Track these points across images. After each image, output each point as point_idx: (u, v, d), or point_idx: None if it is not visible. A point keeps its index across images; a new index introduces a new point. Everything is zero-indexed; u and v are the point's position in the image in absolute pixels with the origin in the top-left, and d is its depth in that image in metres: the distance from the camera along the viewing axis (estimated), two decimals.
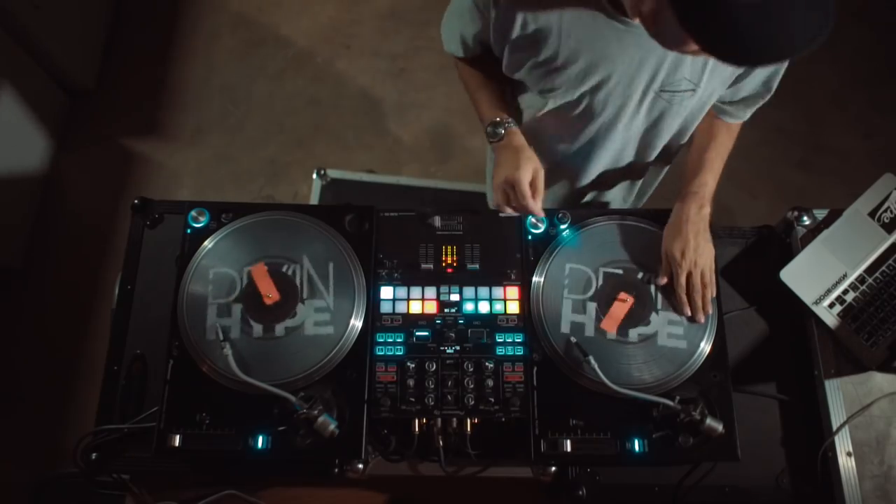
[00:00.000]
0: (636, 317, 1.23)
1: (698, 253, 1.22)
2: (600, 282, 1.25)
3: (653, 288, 1.25)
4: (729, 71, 1.18)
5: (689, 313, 1.23)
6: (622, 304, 1.23)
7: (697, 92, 1.20)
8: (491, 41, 1.22)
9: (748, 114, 1.34)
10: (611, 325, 1.22)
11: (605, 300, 1.24)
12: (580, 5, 1.08)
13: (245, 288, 1.23)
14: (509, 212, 1.26)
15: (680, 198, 1.28)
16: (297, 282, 1.24)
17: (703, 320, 1.23)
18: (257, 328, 1.20)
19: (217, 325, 1.19)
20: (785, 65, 1.20)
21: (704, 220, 1.26)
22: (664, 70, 1.15)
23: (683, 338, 1.22)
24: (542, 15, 1.11)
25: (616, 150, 1.39)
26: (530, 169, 1.22)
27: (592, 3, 1.07)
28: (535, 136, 1.32)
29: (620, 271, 1.27)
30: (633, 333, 1.22)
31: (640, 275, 1.26)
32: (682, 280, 1.22)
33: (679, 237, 1.23)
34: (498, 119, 1.28)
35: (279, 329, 1.20)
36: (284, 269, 1.24)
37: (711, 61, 1.14)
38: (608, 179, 1.51)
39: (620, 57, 1.13)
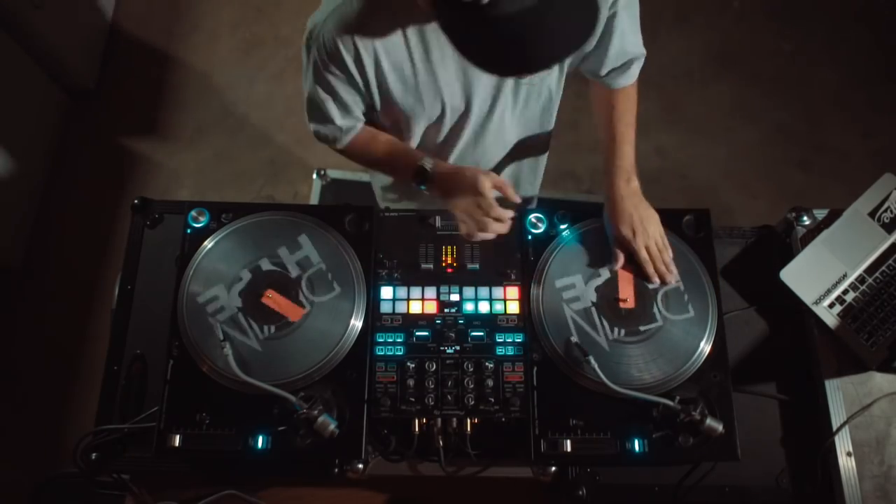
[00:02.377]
0: (636, 317, 1.23)
1: (645, 224, 1.24)
2: (595, 297, 1.25)
3: (654, 290, 1.25)
4: None
5: (658, 281, 1.25)
6: (623, 303, 1.24)
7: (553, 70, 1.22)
8: (362, 95, 1.19)
9: (632, 77, 1.29)
10: (625, 291, 1.24)
11: (606, 299, 1.24)
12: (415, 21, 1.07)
13: (245, 288, 1.23)
14: (483, 236, 1.21)
15: (606, 177, 1.27)
16: (297, 282, 1.24)
17: (672, 281, 1.24)
18: (257, 328, 1.20)
19: (217, 325, 1.19)
20: (636, 22, 1.20)
21: (637, 192, 1.26)
22: None
23: (683, 338, 1.22)
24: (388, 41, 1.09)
25: (500, 142, 1.38)
26: (483, 176, 1.17)
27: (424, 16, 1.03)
28: None
29: (607, 276, 1.26)
30: (629, 333, 1.21)
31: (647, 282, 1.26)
32: (644, 255, 1.23)
33: (622, 217, 1.24)
34: (420, 163, 1.23)
35: (279, 329, 1.20)
36: (284, 269, 1.24)
37: None
38: (507, 172, 1.51)
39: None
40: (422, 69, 1.14)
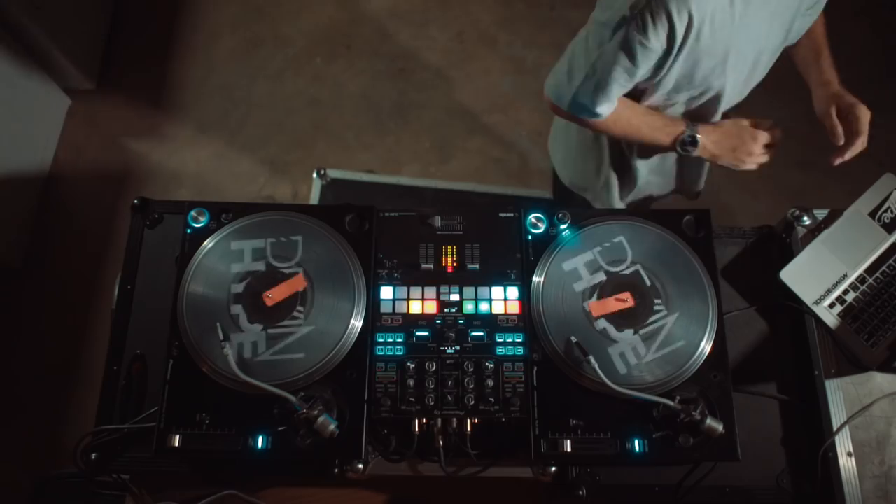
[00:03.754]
0: (634, 318, 1.23)
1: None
2: (606, 277, 1.25)
3: (654, 291, 1.25)
4: None
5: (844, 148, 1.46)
6: (618, 303, 1.23)
7: None
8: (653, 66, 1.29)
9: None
10: (597, 310, 1.22)
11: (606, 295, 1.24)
12: None
13: (246, 288, 1.23)
14: (758, 161, 1.52)
15: (829, 82, 1.54)
16: (284, 270, 1.23)
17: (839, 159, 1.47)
18: (258, 328, 1.20)
19: (217, 325, 1.19)
20: None
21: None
22: None
23: (681, 341, 1.22)
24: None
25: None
26: (754, 128, 1.49)
27: None
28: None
29: (627, 272, 1.26)
30: (629, 333, 1.22)
31: (646, 280, 1.26)
32: (859, 132, 1.47)
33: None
34: (688, 131, 1.44)
35: (279, 329, 1.20)
36: (284, 269, 1.24)
37: None
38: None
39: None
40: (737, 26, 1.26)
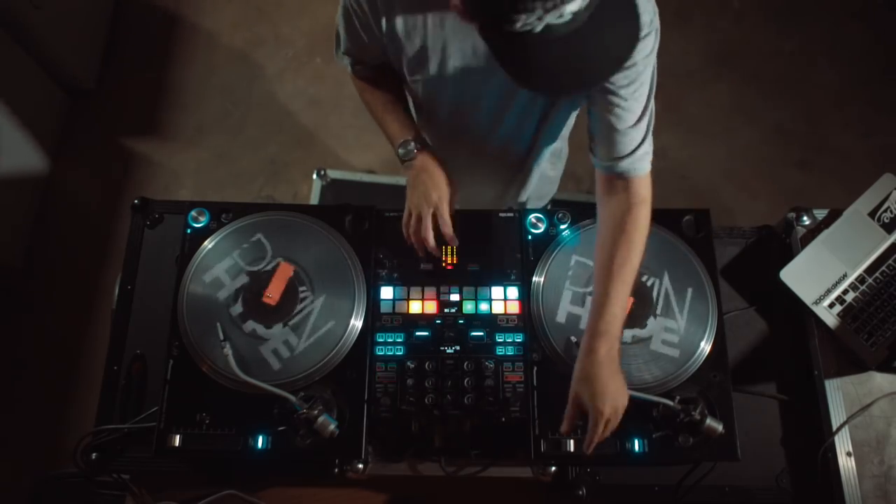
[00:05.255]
0: (633, 318, 1.23)
1: (615, 398, 1.07)
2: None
3: (654, 292, 1.25)
4: None
5: (587, 449, 1.09)
6: None
7: None
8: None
9: (643, 170, 1.14)
10: None
11: None
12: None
13: (246, 288, 1.23)
14: (418, 245, 1.21)
15: (587, 335, 1.10)
16: (297, 282, 1.24)
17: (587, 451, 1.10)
18: (258, 328, 1.20)
19: (217, 325, 1.19)
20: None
21: (614, 361, 1.09)
22: None
23: (678, 346, 1.22)
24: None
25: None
26: (447, 192, 1.19)
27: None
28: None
29: None
30: (628, 335, 1.22)
31: (644, 278, 1.26)
32: (600, 428, 1.07)
33: (595, 385, 1.07)
34: (408, 139, 1.23)
35: (296, 316, 1.20)
36: (265, 268, 1.24)
37: None
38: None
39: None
40: (436, 54, 1.11)
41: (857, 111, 2.81)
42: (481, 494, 1.27)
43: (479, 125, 1.29)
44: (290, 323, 1.21)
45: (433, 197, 1.18)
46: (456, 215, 1.22)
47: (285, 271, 1.24)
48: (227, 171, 2.77)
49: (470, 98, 1.21)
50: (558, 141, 1.43)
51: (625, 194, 1.13)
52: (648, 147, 1.11)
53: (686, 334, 1.22)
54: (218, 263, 1.25)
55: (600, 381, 1.07)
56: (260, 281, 1.23)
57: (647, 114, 1.09)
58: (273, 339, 1.20)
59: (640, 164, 1.12)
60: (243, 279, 1.24)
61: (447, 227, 1.19)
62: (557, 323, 1.23)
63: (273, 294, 1.22)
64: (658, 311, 1.24)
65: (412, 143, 1.23)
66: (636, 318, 1.23)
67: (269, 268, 1.24)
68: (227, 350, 1.15)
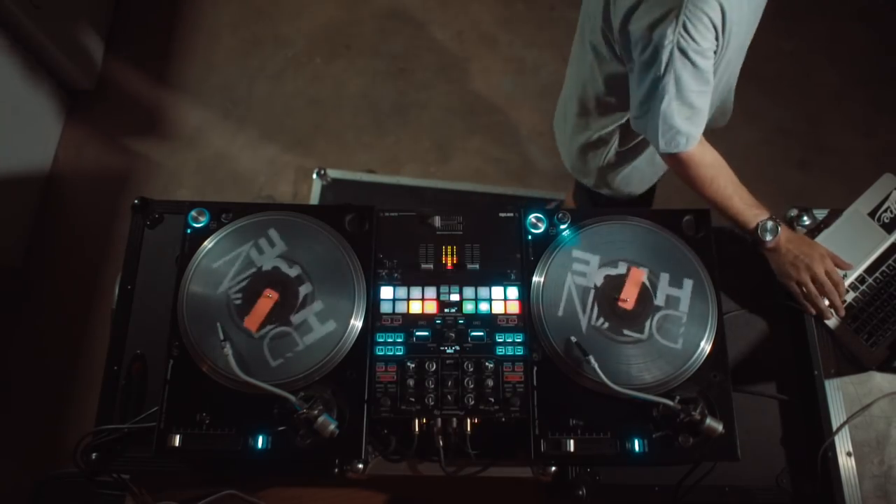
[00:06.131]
0: (633, 319, 1.23)
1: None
2: (601, 282, 1.25)
3: (654, 292, 1.25)
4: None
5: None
6: (623, 303, 1.23)
7: None
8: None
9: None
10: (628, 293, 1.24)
11: (606, 300, 1.24)
12: None
13: (245, 290, 1.23)
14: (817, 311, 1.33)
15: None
16: (297, 282, 1.24)
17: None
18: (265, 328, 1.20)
19: (217, 325, 1.19)
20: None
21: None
22: None
23: (678, 346, 1.21)
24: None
25: None
26: (826, 256, 1.33)
27: None
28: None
29: (623, 272, 1.26)
30: (628, 335, 1.21)
31: (644, 278, 1.26)
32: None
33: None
34: (766, 216, 1.33)
35: (279, 329, 1.20)
36: (284, 269, 1.24)
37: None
38: None
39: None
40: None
41: (857, 111, 2.81)
42: (481, 494, 1.27)
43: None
44: (291, 323, 1.21)
45: (818, 250, 1.33)
46: (457, 217, 1.28)
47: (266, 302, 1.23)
48: (227, 171, 2.77)
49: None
50: None
51: None
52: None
53: (686, 334, 1.22)
54: (219, 263, 1.24)
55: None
56: (262, 281, 1.23)
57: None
58: (272, 339, 1.19)
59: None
60: (244, 279, 1.23)
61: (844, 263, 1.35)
62: (557, 323, 1.22)
63: (273, 294, 1.22)
64: (658, 312, 1.23)
65: (771, 221, 1.32)
66: (636, 318, 1.23)
67: (269, 268, 1.24)
68: (227, 350, 1.15)
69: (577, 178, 1.78)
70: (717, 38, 1.15)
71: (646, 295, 1.24)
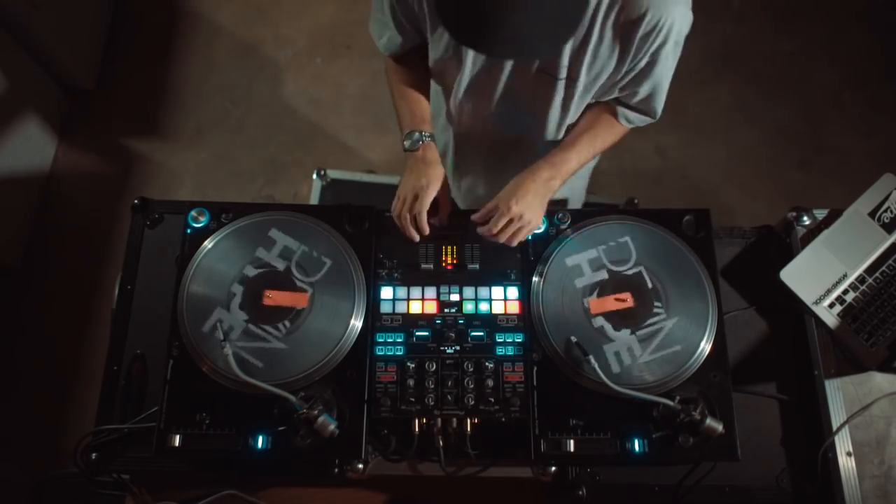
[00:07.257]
0: (633, 319, 1.23)
1: (530, 210, 1.21)
2: (606, 277, 1.25)
3: (654, 292, 1.25)
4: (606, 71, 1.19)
5: (486, 233, 1.22)
6: (617, 303, 1.23)
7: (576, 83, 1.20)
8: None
9: (632, 123, 1.34)
10: (596, 307, 1.23)
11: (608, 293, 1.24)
12: None
13: (245, 288, 1.23)
14: (405, 225, 1.24)
15: (540, 161, 1.26)
16: (287, 273, 1.24)
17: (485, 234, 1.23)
18: (257, 328, 1.20)
19: (217, 325, 1.19)
20: (665, 90, 1.24)
21: (549, 190, 1.24)
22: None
23: (678, 346, 1.21)
24: None
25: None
26: (438, 183, 1.23)
27: None
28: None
29: (630, 272, 1.26)
30: (628, 334, 1.21)
31: (645, 278, 1.26)
32: (502, 222, 1.20)
33: (518, 191, 1.21)
34: (417, 130, 1.27)
35: (279, 329, 1.20)
36: (284, 269, 1.24)
37: (588, 55, 1.14)
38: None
39: None
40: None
41: (857, 111, 2.81)
42: (481, 494, 1.27)
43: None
44: (291, 323, 1.21)
45: (422, 182, 1.22)
46: (452, 210, 1.26)
47: (300, 299, 1.23)
48: (227, 171, 2.77)
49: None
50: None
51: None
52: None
53: (686, 334, 1.22)
54: (219, 263, 1.24)
55: (527, 191, 1.21)
56: (261, 281, 1.23)
57: None
58: (275, 339, 1.19)
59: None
60: (245, 279, 1.23)
61: (423, 217, 1.22)
62: (557, 323, 1.22)
63: (273, 295, 1.22)
64: (658, 312, 1.23)
65: (418, 134, 1.26)
66: (636, 318, 1.23)
67: (269, 268, 1.24)
68: (227, 350, 1.15)
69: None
70: None
71: (646, 295, 1.25)
